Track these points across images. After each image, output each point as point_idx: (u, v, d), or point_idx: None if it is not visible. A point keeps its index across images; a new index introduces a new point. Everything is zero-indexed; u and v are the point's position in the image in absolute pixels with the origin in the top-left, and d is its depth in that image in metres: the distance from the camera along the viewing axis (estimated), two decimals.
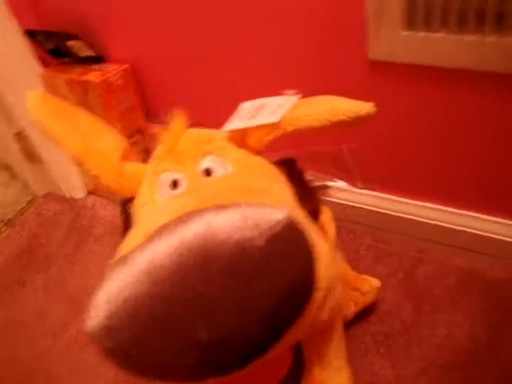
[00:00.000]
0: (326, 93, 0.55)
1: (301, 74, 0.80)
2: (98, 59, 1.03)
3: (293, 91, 0.48)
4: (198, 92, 0.98)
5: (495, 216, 0.81)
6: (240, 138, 0.47)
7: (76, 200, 1.18)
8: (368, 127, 0.73)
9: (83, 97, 1.03)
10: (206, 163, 0.44)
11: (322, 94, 0.53)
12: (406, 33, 0.64)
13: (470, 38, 0.60)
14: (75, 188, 1.15)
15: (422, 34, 0.63)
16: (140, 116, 1.08)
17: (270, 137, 0.46)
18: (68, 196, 1.17)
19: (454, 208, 0.84)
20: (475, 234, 0.83)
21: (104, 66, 1.01)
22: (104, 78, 0.97)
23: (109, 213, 1.13)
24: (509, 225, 0.80)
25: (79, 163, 0.49)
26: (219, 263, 0.30)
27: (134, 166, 0.50)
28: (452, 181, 0.81)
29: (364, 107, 0.43)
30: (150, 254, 0.31)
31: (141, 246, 0.32)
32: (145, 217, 0.42)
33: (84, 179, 1.17)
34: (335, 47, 0.73)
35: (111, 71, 0.99)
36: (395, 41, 0.65)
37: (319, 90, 0.55)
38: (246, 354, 0.32)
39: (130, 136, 1.04)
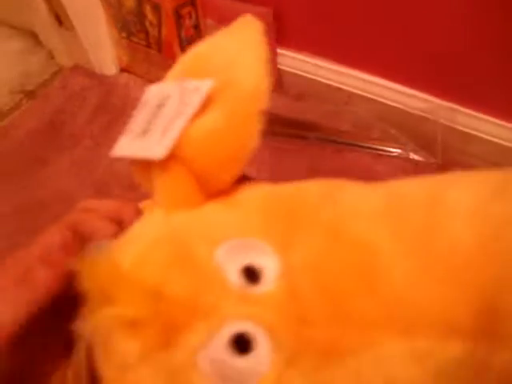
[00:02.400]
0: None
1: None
2: None
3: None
4: None
5: None
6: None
7: (107, 76, 1.08)
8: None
9: None
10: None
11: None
12: None
13: None
14: (107, 62, 1.06)
15: None
16: None
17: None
18: (98, 71, 1.07)
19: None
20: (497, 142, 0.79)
21: None
22: None
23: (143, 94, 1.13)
24: None
25: None
26: None
27: None
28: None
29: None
30: None
31: None
32: None
33: (118, 53, 1.04)
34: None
35: None
36: None
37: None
38: None
39: (181, 6, 0.95)
